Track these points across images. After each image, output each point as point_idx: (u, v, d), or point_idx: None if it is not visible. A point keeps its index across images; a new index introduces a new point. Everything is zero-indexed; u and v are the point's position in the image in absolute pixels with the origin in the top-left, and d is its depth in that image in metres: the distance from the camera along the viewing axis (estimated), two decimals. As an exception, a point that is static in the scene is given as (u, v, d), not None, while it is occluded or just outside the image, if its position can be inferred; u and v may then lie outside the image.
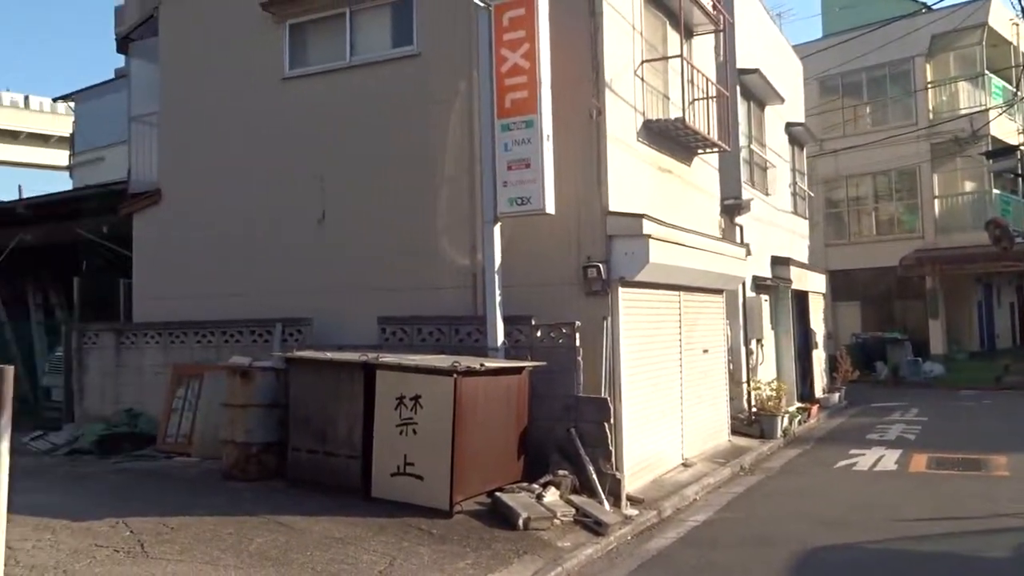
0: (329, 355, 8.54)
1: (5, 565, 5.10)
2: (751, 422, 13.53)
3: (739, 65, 14.13)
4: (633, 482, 9.07)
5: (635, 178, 9.96)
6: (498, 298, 8.88)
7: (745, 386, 13.78)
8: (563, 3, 9.22)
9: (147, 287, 12.42)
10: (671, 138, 10.94)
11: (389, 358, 8.08)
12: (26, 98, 47.59)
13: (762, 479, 10.75)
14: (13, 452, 10.64)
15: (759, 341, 14.73)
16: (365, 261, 10.43)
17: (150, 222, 12.46)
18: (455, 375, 7.45)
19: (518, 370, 8.41)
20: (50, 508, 7.59)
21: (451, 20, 10.04)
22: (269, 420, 8.94)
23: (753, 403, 13.77)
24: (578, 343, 8.73)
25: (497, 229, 8.97)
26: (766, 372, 15.05)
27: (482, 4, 9.01)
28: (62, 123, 39.28)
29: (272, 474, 8.83)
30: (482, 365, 7.69)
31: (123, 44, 13.98)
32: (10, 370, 3.73)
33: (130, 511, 7.57)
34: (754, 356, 14.46)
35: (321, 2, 10.95)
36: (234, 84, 11.70)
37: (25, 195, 17.22)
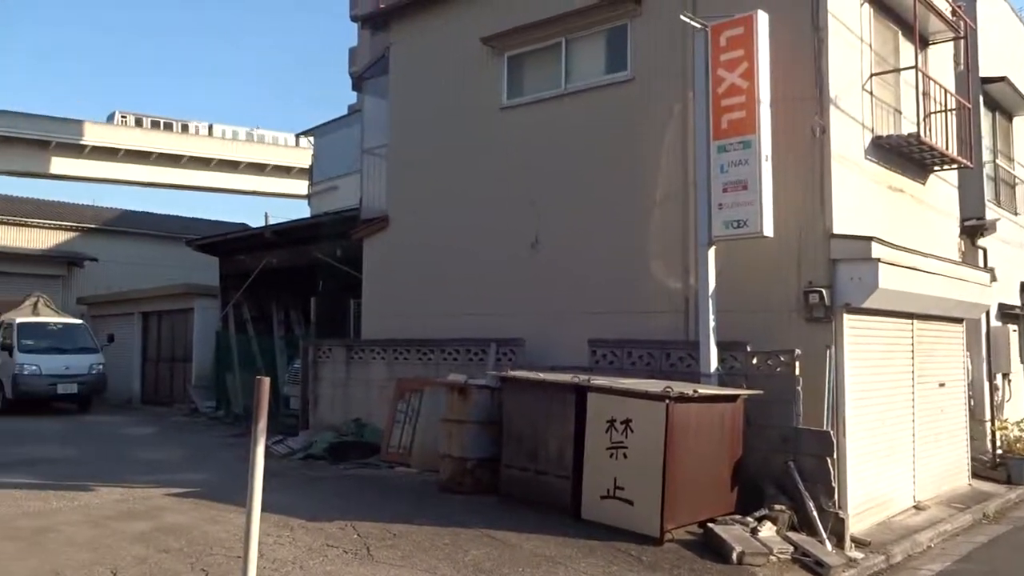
0: (541, 376, 8.71)
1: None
2: (995, 465, 12.23)
3: (982, 73, 12.95)
4: (858, 523, 8.46)
5: (862, 198, 9.38)
6: (712, 323, 8.65)
7: (988, 425, 12.49)
8: (784, 20, 8.90)
9: (374, 306, 13.28)
10: (903, 155, 10.21)
11: (600, 380, 8.11)
12: (263, 135, 52.76)
13: (1009, 529, 9.66)
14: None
15: (1006, 376, 13.33)
16: (576, 284, 10.56)
17: (378, 246, 13.34)
18: (667, 400, 7.34)
19: (732, 398, 8.14)
20: (289, 507, 8.27)
21: (666, 43, 10.00)
22: (483, 436, 9.23)
23: (998, 444, 12.45)
24: (798, 372, 8.32)
25: (712, 252, 8.77)
26: (1014, 410, 13.57)
27: (698, 25, 8.90)
28: (302, 156, 43.24)
29: (486, 489, 9.09)
30: (695, 391, 7.52)
31: (358, 82, 15.16)
32: (266, 381, 4.13)
33: (357, 515, 8.09)
34: (999, 392, 13.10)
35: (538, 33, 11.30)
36: (455, 116, 12.31)
37: (271, 222, 19.03)
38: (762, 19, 8.62)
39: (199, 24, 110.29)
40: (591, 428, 7.89)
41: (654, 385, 7.76)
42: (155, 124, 58.37)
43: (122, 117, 58.44)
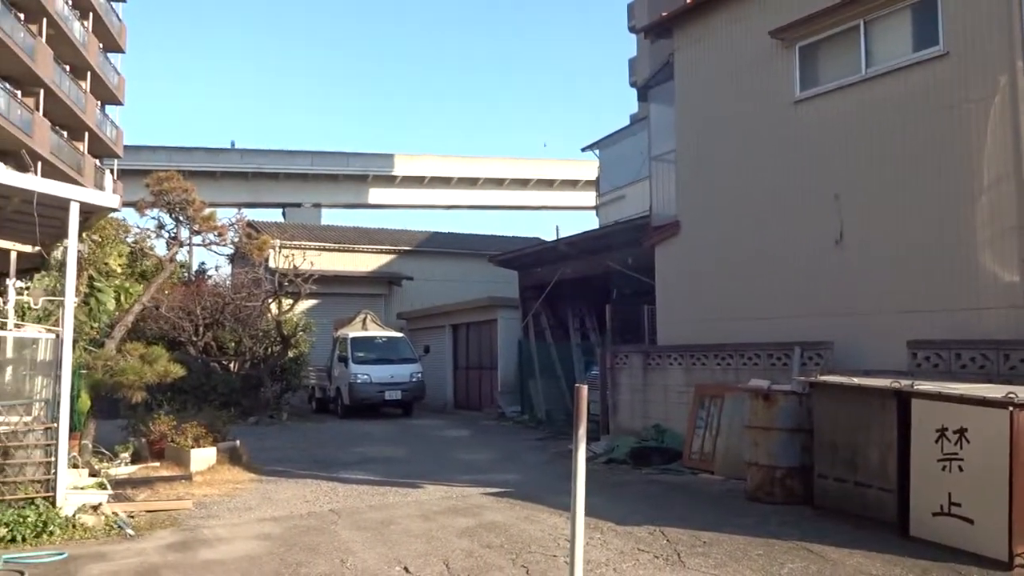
0: (857, 381, 8.11)
1: (558, 556, 5.87)
2: None
3: None
4: None
5: None
6: (1061, 319, 7.53)
7: None
8: None
9: (669, 312, 13.23)
10: None
11: (926, 386, 7.37)
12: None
13: None
14: (565, 457, 11.95)
15: None
16: (888, 281, 9.73)
17: (670, 252, 13.28)
18: (1011, 408, 6.49)
19: (1093, 405, 6.99)
20: (597, 510, 8.45)
21: (984, 10, 8.91)
22: (792, 444, 8.79)
23: None
24: None
25: (1057, 239, 7.64)
26: None
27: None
28: (587, 169, 44.41)
29: (797, 499, 8.65)
30: (1045, 397, 6.57)
31: (642, 91, 15.25)
32: (584, 389, 4.26)
33: (664, 521, 8.06)
34: None
35: (832, 19, 10.61)
36: (745, 114, 11.93)
37: (562, 235, 19.73)
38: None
39: (476, 54, 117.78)
40: (917, 438, 7.19)
41: (993, 391, 6.90)
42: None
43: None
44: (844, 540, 7.26)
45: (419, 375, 21.73)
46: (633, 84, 27.98)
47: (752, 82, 11.79)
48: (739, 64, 12.04)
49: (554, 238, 30.74)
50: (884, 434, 7.55)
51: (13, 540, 7.13)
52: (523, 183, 53.46)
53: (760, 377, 10.24)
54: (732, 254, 11.99)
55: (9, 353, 8.23)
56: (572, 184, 53.54)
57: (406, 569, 6.57)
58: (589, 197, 41.42)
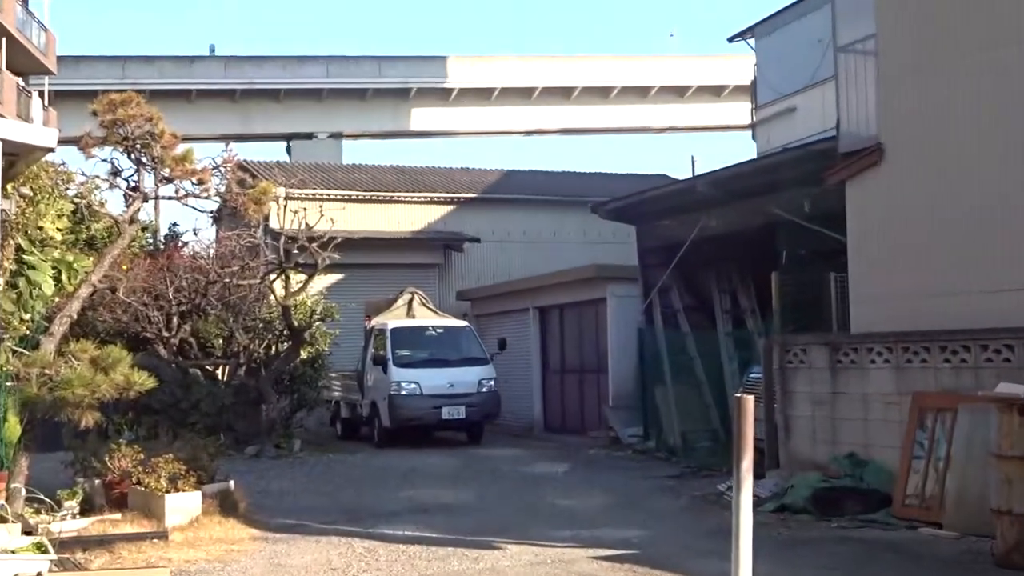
0: None
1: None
2: None
3: None
4: None
5: None
6: None
7: None
8: None
9: (866, 282, 12.96)
10: None
11: None
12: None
13: None
14: (711, 502, 11.94)
15: None
16: None
17: (869, 192, 12.97)
18: None
19: None
20: (764, 582, 8.36)
21: None
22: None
23: None
24: None
25: None
26: None
27: None
28: (735, 68, 43.63)
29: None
30: None
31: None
32: (749, 400, 4.16)
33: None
34: None
35: None
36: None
37: (700, 170, 19.47)
38: None
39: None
40: None
41: None
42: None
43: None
44: None
45: (491, 383, 21.91)
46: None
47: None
48: None
49: (690, 175, 30.40)
50: None
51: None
52: (640, 92, 53.01)
53: (1015, 380, 9.96)
54: (965, 196, 11.71)
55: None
56: (714, 92, 52.81)
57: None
58: (740, 111, 40.66)
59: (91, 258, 20.63)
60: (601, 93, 52.59)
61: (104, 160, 14.00)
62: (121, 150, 13.64)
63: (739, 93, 45.45)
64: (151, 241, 28.62)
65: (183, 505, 11.56)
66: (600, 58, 53.49)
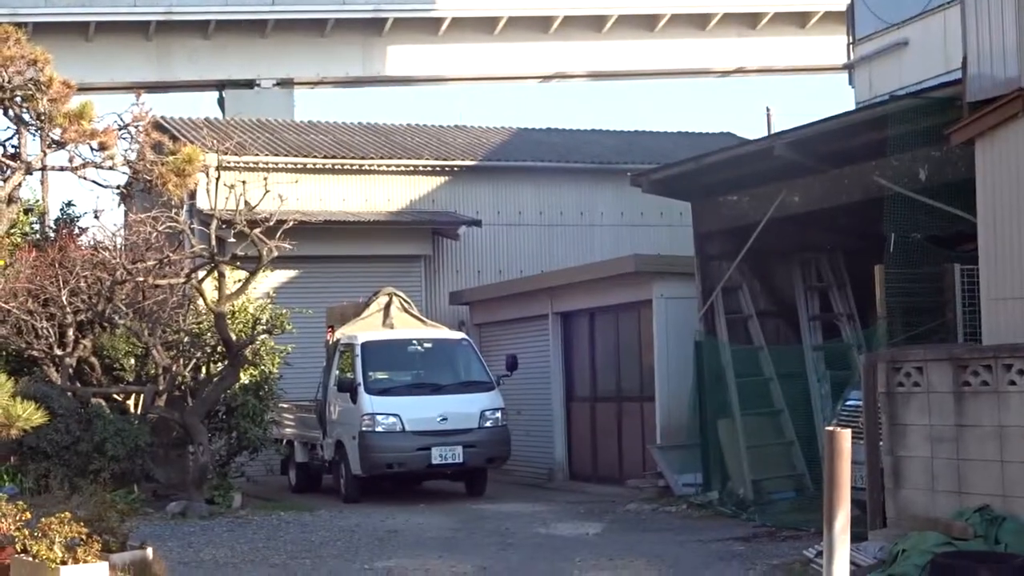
0: None
1: None
2: None
3: None
4: None
5: None
6: None
7: None
8: None
9: (1006, 276, 12.97)
10: None
11: None
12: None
13: None
14: (795, 574, 12.01)
15: None
16: None
17: (1008, 154, 12.99)
18: None
19: None
20: None
21: None
22: None
23: None
24: None
25: None
26: None
27: None
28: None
29: None
30: None
31: None
32: (844, 436, 4.19)
33: None
34: None
35: None
36: None
37: (776, 126, 19.44)
38: None
39: None
40: None
41: None
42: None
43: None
44: None
45: (497, 415, 21.97)
46: None
47: None
48: None
49: (765, 134, 30.36)
50: None
51: None
52: (699, 21, 52.62)
53: None
54: None
55: None
56: (797, 20, 52.65)
57: None
58: (831, 47, 40.73)
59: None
60: (645, 23, 52.14)
61: (-32, 118, 14.05)
62: (-6, 105, 13.65)
63: (831, 22, 45.39)
64: (37, 227, 28.68)
65: (84, 581, 11.60)
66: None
